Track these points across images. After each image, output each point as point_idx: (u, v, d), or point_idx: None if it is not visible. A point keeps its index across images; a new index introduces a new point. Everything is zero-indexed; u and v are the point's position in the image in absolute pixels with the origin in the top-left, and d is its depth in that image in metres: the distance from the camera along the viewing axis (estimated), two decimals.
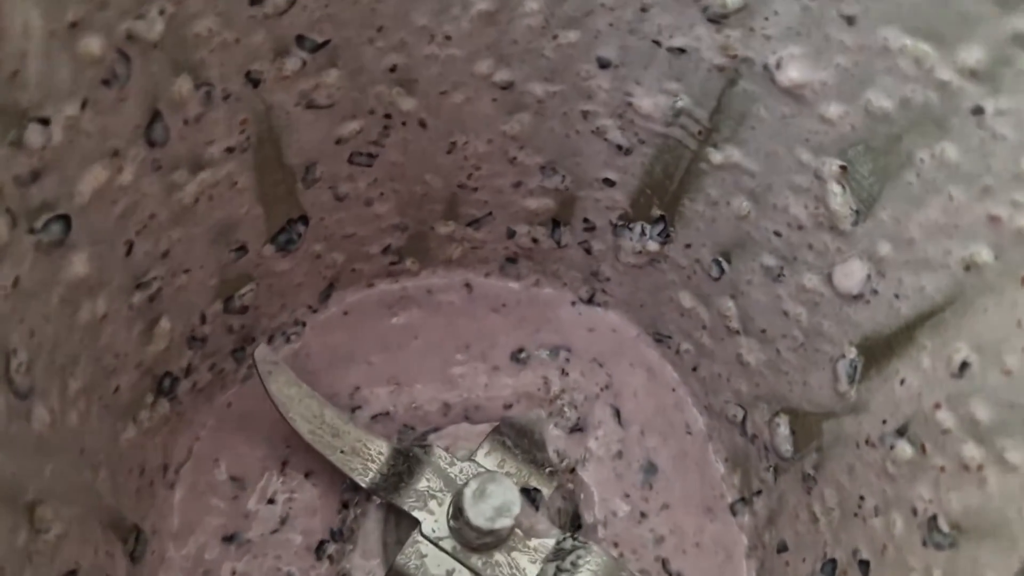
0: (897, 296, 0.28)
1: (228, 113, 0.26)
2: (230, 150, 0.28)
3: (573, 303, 0.39)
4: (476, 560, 0.31)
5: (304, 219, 0.33)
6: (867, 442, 0.29)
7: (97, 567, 0.27)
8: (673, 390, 0.38)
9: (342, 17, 0.26)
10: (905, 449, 0.28)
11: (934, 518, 0.26)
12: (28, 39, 0.19)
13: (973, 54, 0.23)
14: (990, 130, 0.23)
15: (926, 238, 0.26)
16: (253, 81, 0.26)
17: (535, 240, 0.37)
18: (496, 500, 0.30)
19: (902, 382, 0.28)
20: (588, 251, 0.37)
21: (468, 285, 0.39)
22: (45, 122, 0.21)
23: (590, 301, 0.39)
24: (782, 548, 0.34)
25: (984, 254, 0.25)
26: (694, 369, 0.38)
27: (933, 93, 0.24)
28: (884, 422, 0.29)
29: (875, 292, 0.28)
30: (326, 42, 0.27)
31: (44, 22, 0.19)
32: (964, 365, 0.25)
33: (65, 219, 0.23)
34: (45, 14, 0.19)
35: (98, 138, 0.23)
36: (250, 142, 0.28)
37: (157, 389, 0.31)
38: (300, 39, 0.26)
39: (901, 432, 0.28)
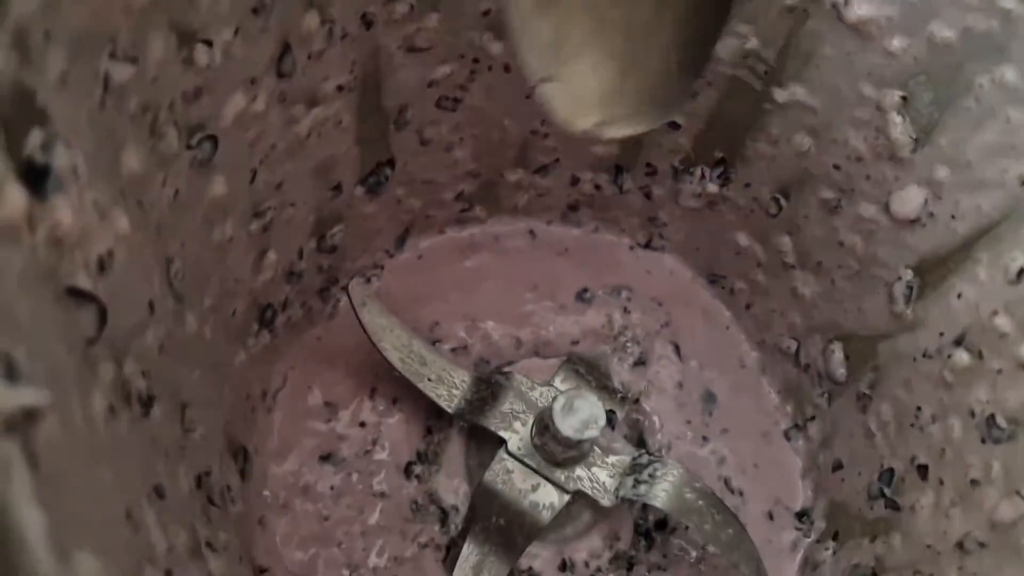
0: (954, 216, 0.30)
1: (343, 51, 0.29)
2: (340, 88, 0.30)
3: (631, 248, 0.41)
4: (559, 475, 0.34)
5: (391, 163, 0.35)
6: (924, 355, 0.32)
7: (222, 475, 0.30)
8: (727, 328, 0.41)
9: None
10: (963, 357, 0.30)
11: (992, 417, 0.29)
12: None
13: None
14: None
15: (983, 159, 0.29)
16: (367, 23, 0.29)
17: (597, 187, 0.39)
18: (583, 414, 0.32)
19: (959, 296, 0.30)
20: (648, 196, 0.39)
21: (532, 232, 0.41)
22: (209, 43, 0.23)
23: (647, 246, 0.41)
24: (837, 466, 0.36)
25: None
26: (747, 307, 0.40)
27: (995, 21, 0.27)
28: (941, 335, 0.31)
29: (931, 215, 0.31)
30: None
31: None
32: (1021, 272, 0.28)
33: (213, 139, 0.25)
34: None
35: (243, 64, 0.25)
36: (356, 82, 0.30)
37: (260, 319, 0.33)
38: None
39: (958, 342, 0.30)
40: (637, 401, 0.38)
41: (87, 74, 0.19)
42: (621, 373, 0.39)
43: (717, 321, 0.41)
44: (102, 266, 0.20)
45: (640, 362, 0.39)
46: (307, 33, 0.27)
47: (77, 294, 0.18)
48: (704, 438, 0.38)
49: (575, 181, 0.39)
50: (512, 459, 0.34)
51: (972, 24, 0.27)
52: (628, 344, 0.39)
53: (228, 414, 0.31)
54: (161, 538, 0.20)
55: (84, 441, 0.18)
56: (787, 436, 0.39)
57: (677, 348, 0.40)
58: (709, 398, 0.39)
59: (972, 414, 0.30)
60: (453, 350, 0.38)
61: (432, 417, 0.37)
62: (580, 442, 0.32)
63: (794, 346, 0.38)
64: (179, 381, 0.25)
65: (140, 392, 0.22)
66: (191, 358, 0.26)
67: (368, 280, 0.39)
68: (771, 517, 0.37)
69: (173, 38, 0.22)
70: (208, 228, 0.27)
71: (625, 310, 0.40)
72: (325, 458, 0.35)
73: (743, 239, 0.38)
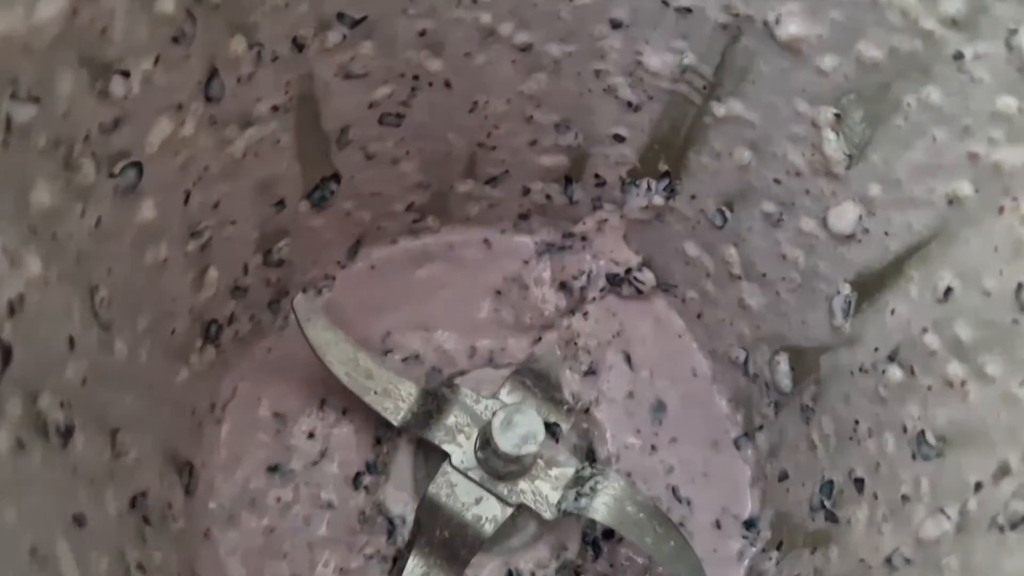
0: (887, 233, 0.30)
1: (275, 73, 0.29)
2: (275, 108, 0.30)
3: None
4: (502, 488, 0.34)
5: (336, 177, 0.35)
6: (861, 370, 0.32)
7: (162, 494, 0.30)
8: (679, 336, 0.41)
9: None
10: (896, 373, 0.30)
11: (922, 433, 0.29)
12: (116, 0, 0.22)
13: (954, 4, 0.25)
14: (969, 73, 0.26)
15: (912, 177, 0.29)
16: (299, 46, 0.29)
17: (548, 197, 0.39)
18: (522, 429, 0.32)
19: (892, 312, 0.31)
20: (598, 207, 0.39)
21: (486, 241, 0.41)
22: (126, 74, 0.23)
23: None
24: (783, 476, 0.37)
25: (965, 188, 0.27)
26: (699, 316, 0.40)
27: (919, 41, 0.27)
28: (876, 350, 0.31)
29: (866, 231, 0.31)
30: (363, 18, 0.29)
31: None
32: (948, 291, 0.28)
33: (138, 166, 0.25)
34: None
35: (167, 91, 0.25)
36: (292, 103, 0.30)
37: (204, 335, 0.34)
38: (340, 16, 0.29)
39: (892, 358, 0.31)
40: (587, 411, 0.39)
41: None
42: (572, 383, 0.39)
43: (669, 330, 0.41)
44: (12, 310, 0.20)
45: (591, 371, 0.39)
46: (234, 57, 0.27)
47: None
48: (653, 447, 0.38)
49: (526, 191, 0.39)
50: (456, 472, 0.34)
51: (897, 44, 0.27)
52: (580, 353, 0.40)
53: (169, 431, 0.31)
54: (73, 570, 0.21)
55: None
56: (736, 445, 0.39)
57: (628, 358, 0.40)
58: (659, 407, 0.39)
59: (904, 430, 0.30)
60: (405, 360, 0.38)
61: (381, 427, 0.37)
62: (520, 457, 0.32)
63: (743, 356, 0.38)
64: (107, 408, 0.25)
65: (57, 424, 0.22)
66: (122, 384, 0.26)
67: (320, 291, 0.39)
68: (718, 526, 0.37)
69: (84, 72, 0.22)
70: (138, 252, 0.27)
71: (584, 315, 0.40)
72: (273, 469, 0.35)
73: (692, 249, 0.38)
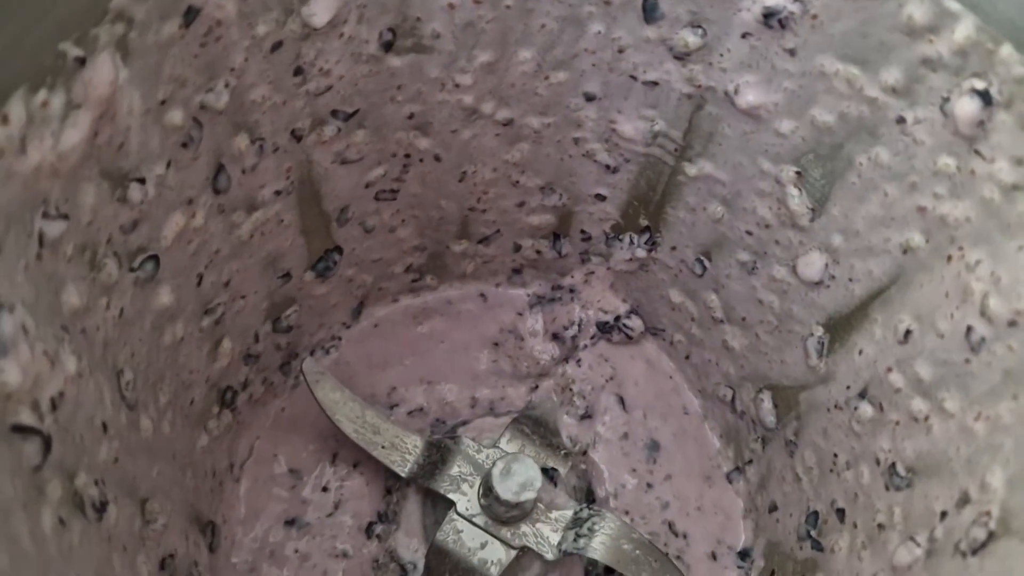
0: (851, 280, 0.32)
1: (277, 162, 0.31)
2: (278, 193, 0.32)
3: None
4: (505, 532, 0.36)
5: (338, 249, 0.38)
6: (836, 406, 0.34)
7: (188, 554, 0.32)
8: (670, 377, 0.43)
9: (368, 88, 0.31)
10: (866, 409, 0.32)
11: (893, 465, 0.31)
12: (131, 117, 0.24)
13: (892, 74, 0.28)
14: (911, 136, 0.28)
15: (869, 228, 0.31)
16: (297, 136, 0.31)
17: (539, 252, 0.42)
18: (521, 477, 0.34)
19: (860, 352, 0.33)
20: (586, 260, 0.42)
21: (483, 295, 0.44)
22: (142, 181, 0.26)
23: None
24: (772, 508, 0.39)
25: (916, 239, 0.29)
26: (687, 357, 0.42)
27: (864, 107, 0.29)
28: (848, 388, 0.33)
29: (833, 278, 0.33)
30: (356, 111, 0.32)
31: (142, 103, 0.24)
32: (908, 333, 0.30)
33: (155, 258, 0.28)
34: (143, 96, 0.24)
35: (178, 190, 0.28)
36: (294, 185, 0.33)
37: (221, 401, 0.36)
38: (334, 112, 0.31)
39: (862, 395, 0.33)
40: (585, 453, 0.41)
41: (22, 236, 0.21)
42: (569, 427, 0.41)
43: (660, 371, 0.43)
44: (53, 406, 0.22)
45: (587, 415, 0.41)
46: (239, 152, 0.30)
47: (21, 429, 0.21)
48: (649, 485, 0.40)
49: (517, 248, 0.42)
50: (461, 519, 0.36)
51: (846, 110, 0.29)
52: (575, 398, 0.42)
53: (192, 494, 0.33)
54: None
55: (32, 561, 0.20)
56: (729, 479, 0.41)
57: (622, 400, 0.42)
58: (653, 446, 0.41)
59: (878, 462, 0.32)
60: (410, 413, 0.41)
61: (391, 477, 0.39)
62: (519, 503, 0.34)
63: (730, 394, 0.41)
64: (137, 480, 0.28)
65: (93, 500, 0.25)
66: (149, 456, 0.29)
67: (327, 351, 0.42)
68: (714, 557, 0.39)
69: (105, 184, 0.24)
70: (158, 333, 0.29)
71: (578, 362, 0.42)
72: (290, 523, 0.38)
73: (676, 296, 0.41)
